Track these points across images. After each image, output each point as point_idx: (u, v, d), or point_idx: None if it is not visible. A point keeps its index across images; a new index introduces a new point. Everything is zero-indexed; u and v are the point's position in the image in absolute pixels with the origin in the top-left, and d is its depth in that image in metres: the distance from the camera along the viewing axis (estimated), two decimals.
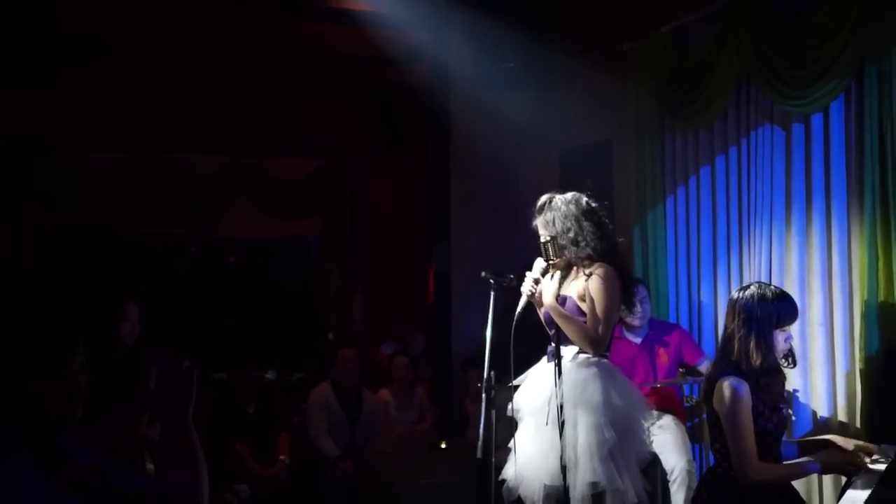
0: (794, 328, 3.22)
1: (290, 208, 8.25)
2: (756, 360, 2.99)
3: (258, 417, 5.78)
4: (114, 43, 6.97)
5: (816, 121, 4.35)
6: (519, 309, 3.60)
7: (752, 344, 3.00)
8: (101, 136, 7.36)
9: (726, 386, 3.00)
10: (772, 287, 3.16)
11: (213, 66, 7.42)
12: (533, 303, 3.69)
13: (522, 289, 3.65)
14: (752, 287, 3.12)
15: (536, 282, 3.65)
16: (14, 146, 7.02)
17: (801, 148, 4.44)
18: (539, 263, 3.69)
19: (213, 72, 7.44)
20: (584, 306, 3.67)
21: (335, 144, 8.05)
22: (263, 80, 7.59)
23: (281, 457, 5.69)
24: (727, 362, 3.08)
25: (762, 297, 3.05)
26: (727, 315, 3.13)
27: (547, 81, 6.19)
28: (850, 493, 2.90)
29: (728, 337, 3.09)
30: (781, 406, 3.14)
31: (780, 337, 3.05)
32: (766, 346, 3.01)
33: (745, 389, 2.98)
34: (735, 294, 3.15)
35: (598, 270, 3.66)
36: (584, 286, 3.68)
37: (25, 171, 7.19)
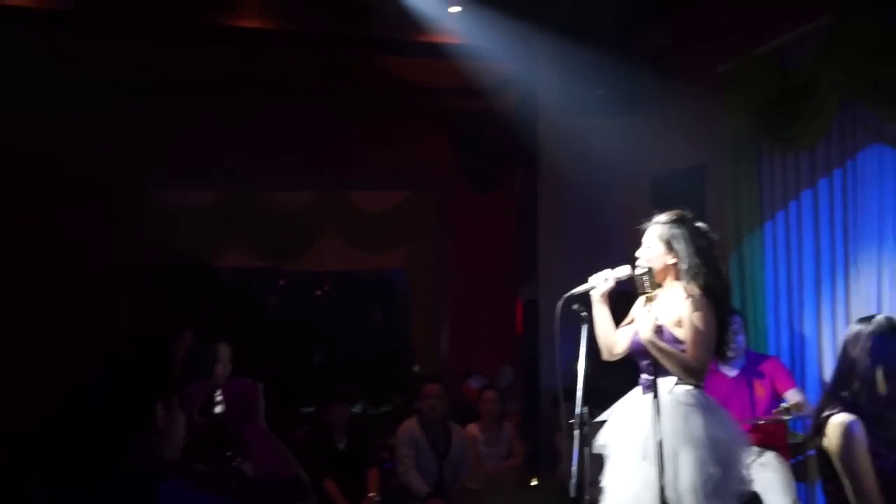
0: None
1: (376, 241, 8.26)
2: (885, 390, 2.80)
3: (348, 453, 5.73)
4: (204, 81, 7.13)
5: None
6: (575, 291, 3.48)
7: (881, 374, 2.81)
8: (192, 174, 7.52)
9: (839, 423, 2.81)
10: None
11: (301, 101, 7.52)
12: (591, 296, 3.57)
13: (591, 278, 3.57)
14: (878, 317, 2.94)
15: (607, 281, 3.55)
16: (109, 185, 7.22)
17: None
18: (624, 270, 3.57)
19: (301, 107, 7.54)
20: (680, 333, 3.50)
21: (421, 176, 8.04)
22: (349, 114, 7.65)
23: (371, 493, 5.62)
24: (838, 397, 2.88)
25: (894, 329, 2.87)
26: (848, 345, 2.93)
27: (637, 106, 6.06)
28: None
29: (847, 367, 2.89)
30: None
31: None
32: (895, 378, 2.81)
33: (860, 427, 2.79)
34: (858, 325, 2.96)
35: (699, 298, 3.49)
36: (680, 312, 3.51)
37: (119, 209, 7.39)
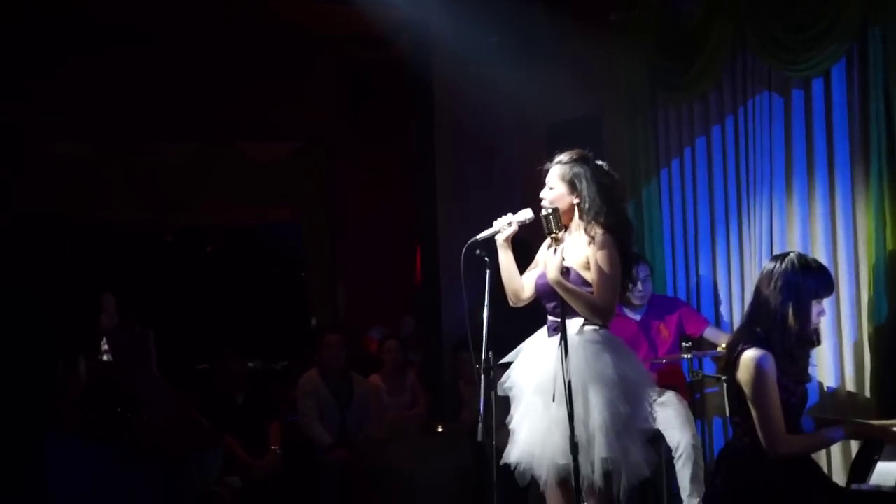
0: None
1: (267, 193, 8.03)
2: (794, 327, 2.90)
3: (247, 408, 5.63)
4: (82, 29, 6.70)
5: (817, 85, 4.27)
6: (479, 237, 3.48)
7: (791, 311, 2.90)
8: (72, 125, 7.11)
9: (751, 357, 2.91)
10: (811, 257, 3.07)
11: (185, 48, 7.18)
12: (496, 241, 3.57)
13: (495, 222, 3.56)
14: (791, 255, 3.02)
15: (511, 224, 3.55)
16: None
17: (802, 114, 4.36)
18: (526, 213, 3.56)
19: (186, 55, 7.20)
20: (588, 275, 3.53)
21: (313, 127, 7.84)
22: (237, 63, 7.35)
23: (273, 447, 5.55)
24: (752, 332, 2.98)
25: (804, 266, 2.97)
26: (761, 283, 3.02)
27: (532, 55, 6.04)
28: (881, 465, 2.83)
29: (760, 304, 2.99)
30: (805, 381, 3.04)
31: (815, 309, 2.95)
32: (805, 315, 2.92)
33: (771, 362, 2.89)
34: (771, 263, 3.04)
35: (602, 237, 3.51)
36: (587, 254, 3.53)
37: None
